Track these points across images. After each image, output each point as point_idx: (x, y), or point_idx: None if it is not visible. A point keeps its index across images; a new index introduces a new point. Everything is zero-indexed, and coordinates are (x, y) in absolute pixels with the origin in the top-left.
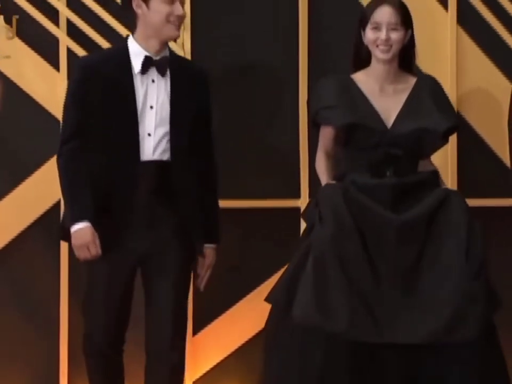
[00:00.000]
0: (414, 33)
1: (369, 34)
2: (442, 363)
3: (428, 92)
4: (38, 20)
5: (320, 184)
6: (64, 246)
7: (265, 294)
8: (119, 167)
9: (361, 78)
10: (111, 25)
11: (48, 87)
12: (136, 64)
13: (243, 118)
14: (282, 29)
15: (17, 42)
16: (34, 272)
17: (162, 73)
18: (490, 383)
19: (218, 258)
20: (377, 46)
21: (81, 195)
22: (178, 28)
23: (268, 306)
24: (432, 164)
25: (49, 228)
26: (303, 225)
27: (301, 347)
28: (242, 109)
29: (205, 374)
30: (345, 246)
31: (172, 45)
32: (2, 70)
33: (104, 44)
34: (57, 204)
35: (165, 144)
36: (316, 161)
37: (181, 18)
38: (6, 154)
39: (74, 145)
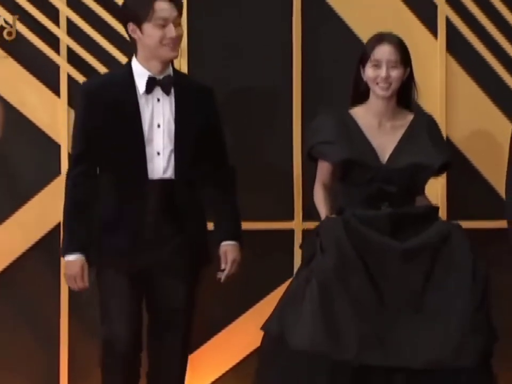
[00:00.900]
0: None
1: (369, 72)
2: None
3: (424, 128)
4: (39, 47)
5: (314, 207)
6: (64, 266)
7: (258, 315)
8: (129, 186)
9: (359, 113)
10: (111, 52)
11: (49, 113)
12: (141, 85)
13: (237, 141)
14: (278, 56)
15: (19, 69)
16: (36, 291)
17: (167, 92)
18: None
19: (213, 279)
20: (377, 83)
21: (76, 226)
22: (174, 48)
23: (259, 326)
24: (427, 199)
25: (50, 248)
26: (296, 247)
27: (303, 373)
28: (237, 133)
29: None
30: (349, 273)
31: None
32: (5, 96)
33: (104, 71)
34: (57, 226)
35: (173, 162)
36: (314, 193)
37: (176, 39)
38: (8, 178)
39: (81, 169)
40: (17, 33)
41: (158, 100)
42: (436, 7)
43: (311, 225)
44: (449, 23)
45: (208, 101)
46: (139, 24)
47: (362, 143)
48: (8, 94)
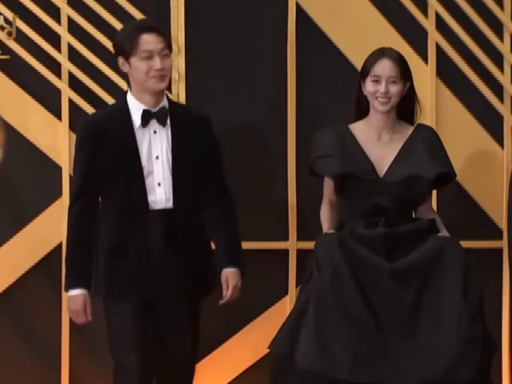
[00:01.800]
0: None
1: (369, 87)
2: None
3: (423, 140)
4: (41, 72)
5: (308, 228)
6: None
7: (255, 332)
8: (131, 218)
9: (359, 128)
10: (111, 77)
11: (51, 136)
12: (137, 118)
13: (234, 164)
14: (273, 83)
15: (22, 93)
16: (38, 309)
17: (162, 124)
18: None
19: (210, 297)
20: (376, 97)
21: (78, 262)
22: (161, 80)
23: (257, 344)
24: (432, 209)
25: (51, 268)
26: (291, 266)
27: None
28: (234, 156)
29: None
30: (344, 292)
31: None
32: (8, 120)
33: (104, 95)
34: (59, 246)
35: (173, 192)
36: (321, 211)
37: (163, 71)
38: (11, 200)
39: (82, 204)
40: (20, 58)
41: (155, 131)
42: (426, 33)
43: (305, 245)
44: (439, 49)
45: (204, 129)
46: (127, 58)
47: (360, 157)
48: (11, 118)
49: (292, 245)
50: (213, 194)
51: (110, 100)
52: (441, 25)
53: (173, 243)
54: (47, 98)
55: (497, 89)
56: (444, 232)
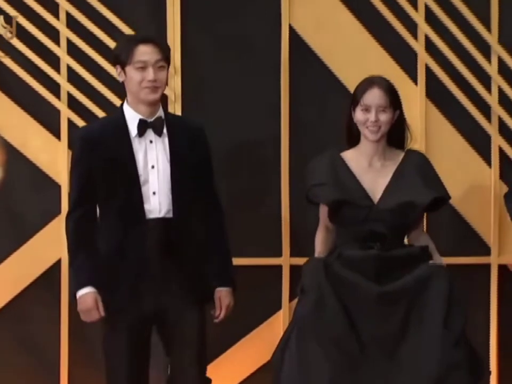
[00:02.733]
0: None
1: (359, 116)
2: None
3: (414, 166)
4: (41, 93)
5: (301, 244)
6: (64, 301)
7: (248, 347)
8: (127, 227)
9: (350, 156)
10: (109, 98)
11: (50, 155)
12: (133, 128)
13: (230, 183)
14: (267, 105)
15: (22, 114)
16: (37, 325)
17: (159, 134)
18: None
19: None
20: (366, 127)
21: (84, 262)
22: (154, 91)
23: (251, 358)
24: (424, 233)
25: (51, 284)
26: (284, 281)
27: None
28: (229, 174)
29: None
30: (327, 316)
31: None
32: (8, 139)
33: (102, 115)
34: (57, 262)
35: (170, 201)
36: (316, 235)
37: (156, 83)
38: (11, 217)
39: (80, 212)
40: (20, 79)
41: (151, 141)
42: (416, 55)
43: (298, 261)
44: (428, 71)
45: (200, 140)
46: (123, 67)
47: (353, 184)
48: (12, 137)
49: (285, 260)
50: (205, 206)
51: None
52: (430, 47)
53: (170, 252)
54: (47, 118)
55: (485, 109)
56: (436, 258)
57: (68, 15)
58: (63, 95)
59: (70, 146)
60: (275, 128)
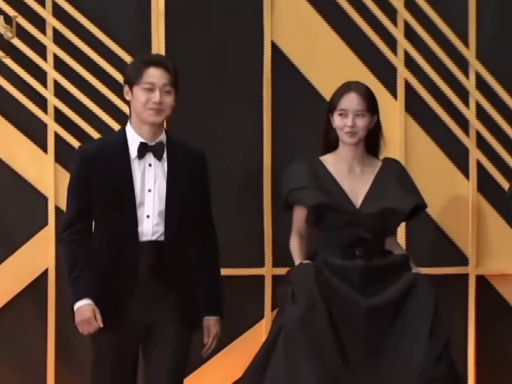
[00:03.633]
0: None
1: (336, 120)
2: None
3: (393, 174)
4: (28, 107)
5: (283, 255)
6: (51, 311)
7: (231, 355)
8: (120, 248)
9: (330, 160)
10: (95, 112)
11: (37, 168)
12: (133, 150)
13: (213, 195)
14: (249, 117)
15: (10, 127)
16: (23, 335)
17: (158, 158)
18: None
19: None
20: (344, 131)
21: (81, 275)
22: (157, 114)
23: (234, 367)
24: (397, 243)
25: (38, 294)
26: (266, 291)
27: None
28: (213, 187)
29: None
30: (316, 325)
31: None
32: None
33: (88, 129)
34: (44, 273)
35: (163, 225)
36: (290, 242)
37: (161, 106)
38: None
39: (76, 228)
40: (8, 93)
41: (150, 164)
42: (395, 70)
43: (280, 271)
44: (407, 85)
45: (200, 166)
46: (131, 87)
47: (335, 188)
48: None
49: (268, 271)
50: (200, 232)
51: (94, 134)
52: (410, 62)
53: (161, 275)
54: (34, 132)
55: (463, 123)
56: (414, 268)
57: (55, 31)
58: (50, 109)
59: (57, 159)
60: (258, 139)
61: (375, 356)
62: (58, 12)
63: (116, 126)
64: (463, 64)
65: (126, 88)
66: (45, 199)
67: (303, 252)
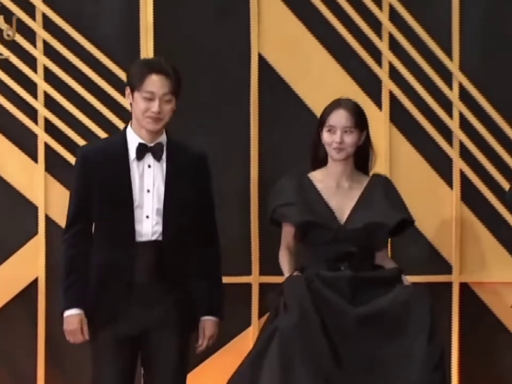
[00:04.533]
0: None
1: (325, 136)
2: None
3: (380, 189)
4: (19, 118)
5: (269, 263)
6: (41, 320)
7: (218, 362)
8: (119, 247)
9: (318, 177)
10: (85, 123)
11: (27, 177)
12: (132, 151)
13: None
14: (236, 127)
15: (1, 138)
16: (13, 344)
17: (157, 159)
18: None
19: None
20: (332, 147)
21: (73, 284)
22: (156, 122)
23: (221, 373)
24: (388, 257)
25: (28, 303)
26: (254, 299)
27: None
28: None
29: None
30: (309, 334)
31: None
32: None
33: (79, 140)
34: (35, 281)
35: (162, 225)
36: (279, 257)
37: (159, 115)
38: None
39: (76, 229)
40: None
41: (149, 166)
42: (380, 82)
43: (267, 279)
44: (392, 97)
45: (201, 168)
46: (132, 91)
47: (321, 205)
48: None
49: (255, 279)
50: (202, 236)
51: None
52: (394, 74)
53: (160, 276)
54: (24, 142)
55: (447, 134)
56: (405, 282)
57: (45, 43)
58: (40, 120)
59: (47, 169)
60: (245, 149)
61: (368, 363)
62: (48, 25)
63: (104, 136)
64: (446, 76)
65: (128, 91)
66: (35, 208)
67: (292, 266)
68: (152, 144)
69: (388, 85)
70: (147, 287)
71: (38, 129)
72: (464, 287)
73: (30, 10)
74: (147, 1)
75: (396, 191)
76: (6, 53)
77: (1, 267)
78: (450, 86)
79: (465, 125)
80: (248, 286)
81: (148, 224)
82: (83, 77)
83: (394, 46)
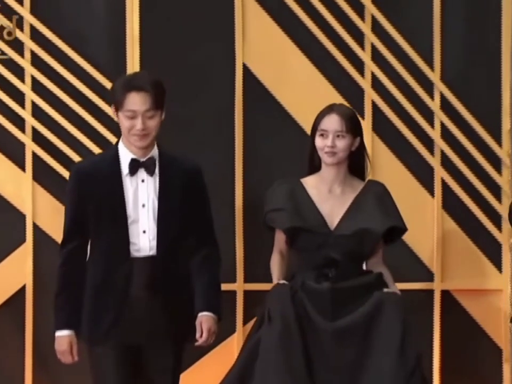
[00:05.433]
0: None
1: (317, 141)
2: None
3: (374, 196)
4: (7, 127)
5: (255, 271)
6: (28, 328)
7: (203, 369)
8: (114, 264)
9: (310, 182)
10: (72, 133)
11: (15, 186)
12: (125, 167)
13: None
14: (222, 137)
15: None
16: (1, 350)
17: (150, 173)
18: None
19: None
20: (324, 152)
21: (65, 304)
22: (142, 139)
23: (206, 380)
24: (381, 264)
25: (15, 310)
26: (239, 306)
27: None
28: None
29: None
30: (288, 347)
31: None
32: None
33: (66, 149)
34: (22, 289)
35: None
36: (271, 261)
37: (144, 131)
38: None
39: (72, 245)
40: None
41: (143, 180)
42: (363, 92)
43: (252, 286)
44: (374, 106)
45: (195, 181)
46: (116, 110)
47: (311, 210)
48: None
49: (240, 286)
50: (200, 245)
51: (71, 154)
52: (376, 84)
53: (155, 290)
54: (12, 151)
55: (428, 143)
56: (391, 286)
57: (33, 53)
58: (28, 129)
59: (35, 177)
60: (229, 159)
61: (347, 377)
62: (36, 36)
63: (91, 145)
64: (428, 86)
65: (113, 108)
66: (22, 217)
67: (282, 270)
68: (144, 159)
69: (370, 95)
70: (144, 301)
71: (26, 138)
72: (446, 294)
73: (18, 21)
74: (133, 14)
75: (390, 197)
76: None
77: None
78: (431, 96)
79: (446, 134)
80: (233, 293)
81: (145, 238)
82: (70, 87)
83: (377, 57)
